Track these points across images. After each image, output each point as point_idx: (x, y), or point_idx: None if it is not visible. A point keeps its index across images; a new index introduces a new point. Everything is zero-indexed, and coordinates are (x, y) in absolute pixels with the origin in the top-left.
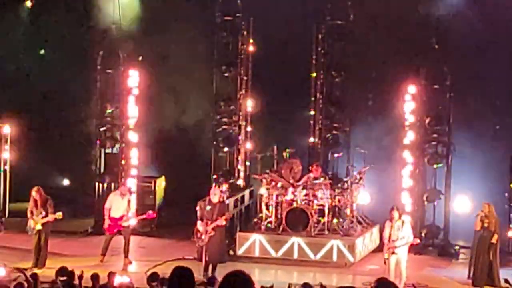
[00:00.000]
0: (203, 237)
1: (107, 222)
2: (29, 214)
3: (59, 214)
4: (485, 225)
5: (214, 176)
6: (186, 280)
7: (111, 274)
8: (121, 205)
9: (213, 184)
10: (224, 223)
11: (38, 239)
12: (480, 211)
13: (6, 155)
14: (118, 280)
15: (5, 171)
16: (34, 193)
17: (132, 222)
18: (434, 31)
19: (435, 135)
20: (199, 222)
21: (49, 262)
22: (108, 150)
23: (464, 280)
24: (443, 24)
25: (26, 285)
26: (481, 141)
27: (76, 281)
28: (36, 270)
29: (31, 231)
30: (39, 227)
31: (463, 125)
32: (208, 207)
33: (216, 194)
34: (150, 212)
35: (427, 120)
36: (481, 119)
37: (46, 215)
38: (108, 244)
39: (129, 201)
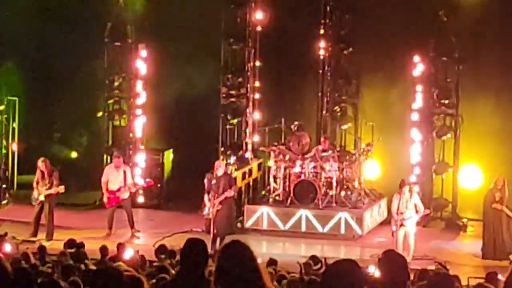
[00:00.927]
0: (210, 210)
1: (105, 195)
2: (34, 185)
3: (61, 188)
4: (497, 198)
5: (222, 149)
6: (199, 251)
7: (120, 246)
8: (116, 178)
9: (220, 158)
10: (231, 194)
11: (40, 210)
12: (493, 183)
13: (15, 127)
14: (127, 251)
15: (13, 143)
16: (40, 163)
17: (126, 195)
18: (443, 2)
19: (443, 108)
20: (205, 197)
21: (57, 235)
22: (116, 123)
23: (472, 252)
24: None
25: (32, 257)
26: (489, 113)
27: (83, 254)
28: (44, 243)
29: (35, 201)
30: (42, 198)
31: (471, 97)
32: (213, 181)
33: (220, 167)
34: (148, 180)
35: (435, 93)
36: (489, 91)
37: (51, 187)
38: (112, 217)
39: (124, 173)
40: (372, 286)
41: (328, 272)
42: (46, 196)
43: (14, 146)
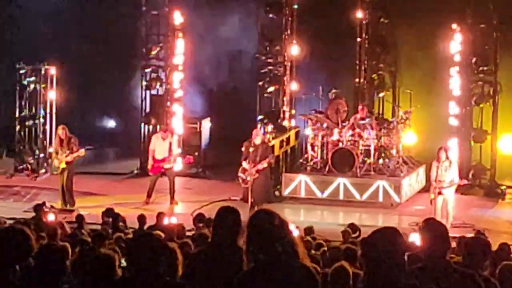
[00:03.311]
0: (248, 178)
1: (150, 163)
2: (53, 154)
3: (82, 151)
4: None
5: (259, 117)
6: (230, 220)
7: (160, 215)
8: (162, 147)
9: (258, 126)
10: (265, 165)
11: (63, 178)
12: None
13: (52, 96)
14: (166, 220)
15: (51, 113)
16: (60, 131)
17: (175, 165)
18: None
19: (481, 75)
20: (243, 163)
21: (95, 203)
22: (154, 92)
23: (511, 219)
24: None
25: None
26: None
27: (122, 222)
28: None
29: (56, 170)
30: (63, 165)
31: (510, 65)
32: (251, 149)
33: (258, 135)
34: (188, 156)
35: (473, 60)
36: None
37: (70, 154)
38: (153, 185)
39: (170, 144)
40: (414, 254)
41: (370, 240)
42: (67, 163)
43: (52, 116)
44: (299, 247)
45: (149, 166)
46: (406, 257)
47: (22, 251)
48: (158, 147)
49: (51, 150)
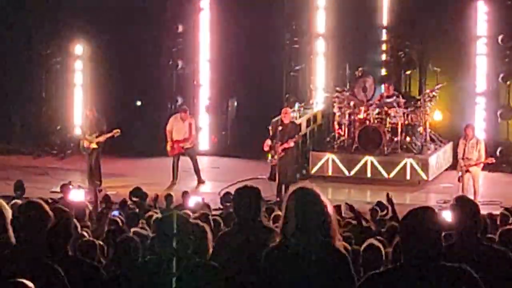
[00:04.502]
0: (275, 157)
1: (169, 144)
2: (81, 135)
3: (117, 131)
4: None
5: (286, 95)
6: (250, 199)
7: (185, 194)
8: (182, 128)
9: (285, 105)
10: (292, 145)
11: (93, 159)
12: None
13: (79, 75)
14: (192, 200)
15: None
16: (88, 112)
17: (197, 144)
18: None
19: (508, 52)
20: (268, 141)
21: (123, 183)
22: (180, 71)
23: None
24: None
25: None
26: None
27: (150, 202)
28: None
29: (85, 151)
30: (94, 145)
31: None
32: (279, 128)
33: (287, 114)
34: (213, 136)
35: (500, 37)
36: None
37: (100, 134)
38: (177, 166)
39: (190, 125)
40: (446, 232)
41: (408, 220)
42: (98, 143)
43: (78, 96)
44: (334, 227)
45: (168, 148)
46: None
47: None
48: (178, 128)
49: (78, 130)
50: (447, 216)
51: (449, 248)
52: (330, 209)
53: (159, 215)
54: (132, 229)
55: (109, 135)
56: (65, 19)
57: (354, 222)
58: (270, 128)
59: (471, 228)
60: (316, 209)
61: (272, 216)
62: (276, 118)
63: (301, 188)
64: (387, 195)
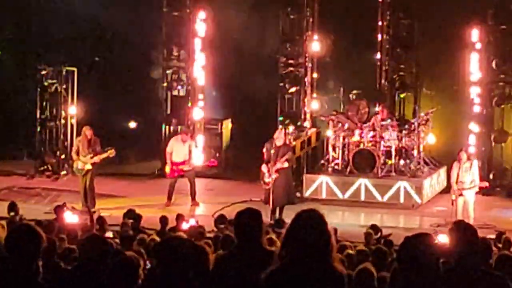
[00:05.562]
0: (268, 179)
1: (168, 166)
2: (74, 156)
3: (111, 152)
4: None
5: (281, 118)
6: (252, 222)
7: (179, 217)
8: (182, 150)
9: (279, 127)
10: (286, 165)
11: (86, 179)
12: None
13: (73, 98)
14: (187, 222)
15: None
16: (87, 131)
17: (195, 164)
18: None
19: (502, 76)
20: (263, 167)
21: (116, 204)
22: (175, 93)
23: None
24: None
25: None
26: None
27: (144, 224)
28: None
29: (79, 172)
30: (89, 166)
31: None
32: (272, 150)
33: (280, 137)
34: (212, 159)
35: (494, 61)
36: None
37: (95, 155)
38: (173, 188)
39: (190, 147)
40: (443, 256)
41: (406, 246)
42: (93, 164)
43: (73, 117)
44: (334, 250)
45: (167, 170)
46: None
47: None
48: (177, 150)
49: (73, 151)
50: (443, 239)
51: (448, 273)
52: (331, 232)
53: (155, 237)
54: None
55: (104, 155)
56: (60, 39)
57: (348, 244)
58: (264, 151)
59: (470, 254)
60: (318, 232)
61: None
62: (270, 141)
63: (304, 211)
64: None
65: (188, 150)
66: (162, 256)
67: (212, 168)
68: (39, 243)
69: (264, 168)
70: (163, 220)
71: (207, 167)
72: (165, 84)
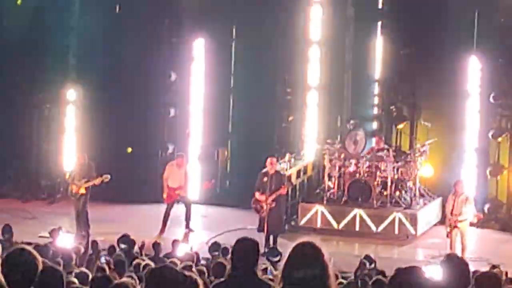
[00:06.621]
0: (264, 207)
1: (165, 192)
2: (69, 180)
3: (106, 177)
4: None
5: (277, 146)
6: (249, 250)
7: (175, 242)
8: (177, 176)
9: (274, 155)
10: (284, 192)
11: (80, 204)
12: None
13: (70, 120)
14: (181, 248)
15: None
16: (79, 156)
17: (185, 193)
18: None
19: (499, 109)
20: (256, 194)
21: (110, 229)
22: (172, 119)
23: None
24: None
25: (82, 250)
26: None
27: (137, 250)
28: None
29: (73, 196)
30: (83, 191)
31: None
32: (265, 178)
33: (272, 164)
34: (207, 181)
35: (491, 94)
36: None
37: (89, 180)
38: (168, 213)
39: (186, 173)
40: None
41: (396, 279)
42: (87, 189)
43: (69, 141)
44: (332, 280)
45: (164, 195)
46: None
47: (28, 272)
48: (173, 175)
49: (68, 175)
50: (436, 271)
51: None
52: (329, 263)
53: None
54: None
55: (98, 180)
56: (57, 64)
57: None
58: (257, 180)
59: (461, 286)
60: (317, 263)
61: None
62: (263, 170)
63: (303, 241)
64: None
65: (184, 175)
66: (152, 286)
67: (208, 195)
68: (36, 267)
69: (258, 196)
70: (156, 246)
71: (204, 189)
72: (162, 110)
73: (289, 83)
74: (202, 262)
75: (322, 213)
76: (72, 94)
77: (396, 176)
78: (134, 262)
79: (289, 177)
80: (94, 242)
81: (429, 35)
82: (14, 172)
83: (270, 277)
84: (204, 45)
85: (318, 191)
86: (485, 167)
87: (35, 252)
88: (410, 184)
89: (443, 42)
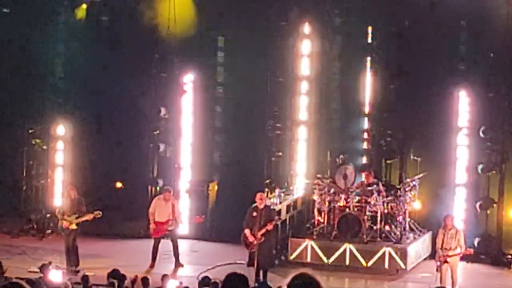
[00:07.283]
0: (254, 242)
1: (152, 226)
2: (59, 215)
3: (98, 213)
4: None
5: (267, 181)
6: (240, 286)
7: (164, 277)
8: (165, 210)
9: (264, 190)
10: (271, 228)
11: (70, 239)
12: None
13: (60, 155)
14: (171, 283)
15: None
16: (70, 191)
17: (178, 226)
18: (493, 39)
19: (489, 143)
20: (246, 231)
21: (100, 265)
22: (162, 154)
23: None
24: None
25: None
26: None
27: (128, 285)
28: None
29: (65, 231)
30: (74, 226)
31: None
32: (254, 213)
33: (261, 199)
34: (197, 216)
35: (481, 128)
36: None
37: (81, 215)
38: (157, 249)
39: (173, 206)
40: None
41: None
42: (77, 224)
43: (59, 176)
44: None
45: (151, 230)
46: None
47: None
48: (160, 209)
49: (57, 210)
50: None
51: None
52: None
53: None
54: None
55: (90, 216)
56: (47, 100)
57: None
58: (246, 215)
59: None
60: None
61: None
62: (253, 205)
63: (302, 272)
64: None
65: (172, 209)
66: None
67: (198, 230)
68: None
69: (247, 232)
70: (145, 280)
71: (194, 223)
72: (152, 145)
73: (278, 118)
74: None
75: (312, 248)
76: (61, 130)
77: (386, 211)
78: None
79: (279, 212)
80: (85, 277)
81: (418, 70)
82: (3, 207)
83: None
84: (193, 80)
85: (308, 225)
86: (474, 201)
87: (28, 286)
88: (400, 218)
89: (432, 77)
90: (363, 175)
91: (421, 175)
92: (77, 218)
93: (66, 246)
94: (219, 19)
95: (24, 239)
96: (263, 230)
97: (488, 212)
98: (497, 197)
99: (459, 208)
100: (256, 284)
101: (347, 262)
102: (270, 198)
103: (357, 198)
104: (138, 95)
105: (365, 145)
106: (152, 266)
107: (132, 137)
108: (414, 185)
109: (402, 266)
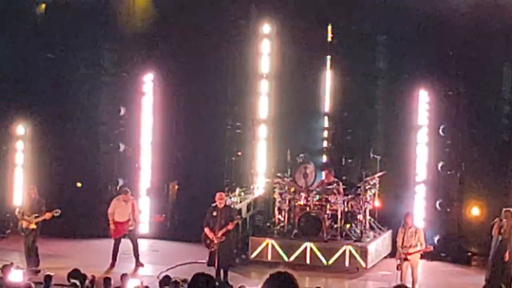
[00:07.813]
0: (214, 241)
1: (112, 227)
2: (19, 215)
3: (57, 211)
4: (502, 231)
5: (227, 180)
6: (206, 286)
7: (124, 276)
8: (124, 210)
9: (225, 189)
10: (231, 227)
11: (30, 239)
12: (498, 217)
13: (19, 155)
14: (131, 283)
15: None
16: (30, 191)
17: (138, 226)
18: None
19: (448, 142)
20: (206, 230)
21: (61, 265)
22: (122, 153)
23: (477, 286)
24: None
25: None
26: (495, 148)
27: (88, 285)
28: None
29: (24, 231)
30: (33, 226)
31: (477, 132)
32: (214, 213)
33: (221, 199)
34: (158, 215)
35: (441, 127)
36: (496, 126)
37: (39, 215)
38: (117, 248)
39: (133, 205)
40: None
41: None
42: (37, 224)
43: (19, 176)
44: None
45: (111, 230)
46: None
47: None
48: (120, 210)
49: (17, 210)
50: None
51: None
52: None
53: None
54: None
55: (48, 215)
56: (6, 100)
57: None
58: (206, 214)
59: None
60: None
61: None
62: (213, 204)
63: (278, 272)
64: None
65: (132, 208)
66: None
67: (158, 229)
68: None
69: (207, 231)
70: (106, 280)
71: (154, 222)
72: (112, 145)
73: (238, 117)
74: None
75: (273, 247)
76: (21, 129)
77: (346, 209)
78: None
79: (239, 211)
80: (48, 276)
81: (378, 69)
82: None
83: None
84: (153, 80)
85: (268, 224)
86: (435, 200)
87: None
88: (360, 217)
89: (392, 75)
90: (323, 173)
91: (380, 173)
92: (36, 217)
93: (26, 246)
94: (178, 17)
95: None
96: (224, 230)
97: (448, 210)
98: (457, 195)
99: (419, 206)
100: (217, 284)
101: (308, 261)
102: (230, 198)
103: (318, 196)
104: (98, 94)
105: (325, 144)
106: (112, 266)
107: (92, 137)
108: (374, 184)
109: (363, 264)
